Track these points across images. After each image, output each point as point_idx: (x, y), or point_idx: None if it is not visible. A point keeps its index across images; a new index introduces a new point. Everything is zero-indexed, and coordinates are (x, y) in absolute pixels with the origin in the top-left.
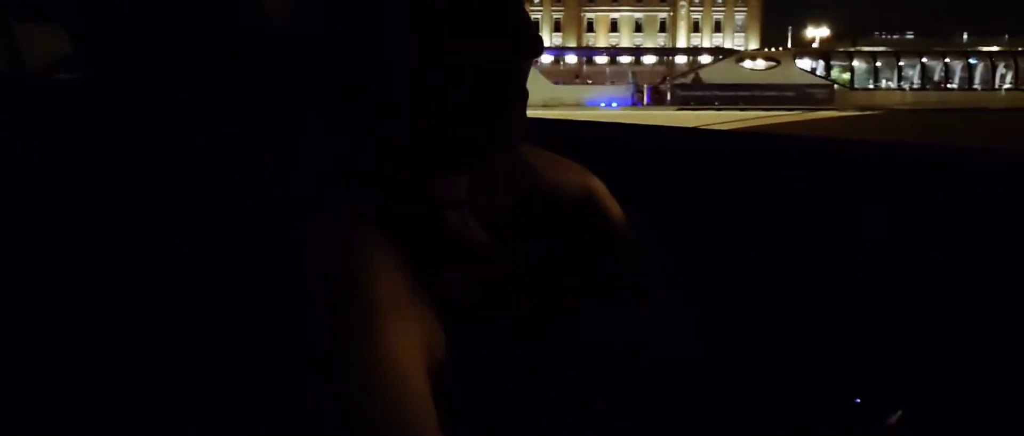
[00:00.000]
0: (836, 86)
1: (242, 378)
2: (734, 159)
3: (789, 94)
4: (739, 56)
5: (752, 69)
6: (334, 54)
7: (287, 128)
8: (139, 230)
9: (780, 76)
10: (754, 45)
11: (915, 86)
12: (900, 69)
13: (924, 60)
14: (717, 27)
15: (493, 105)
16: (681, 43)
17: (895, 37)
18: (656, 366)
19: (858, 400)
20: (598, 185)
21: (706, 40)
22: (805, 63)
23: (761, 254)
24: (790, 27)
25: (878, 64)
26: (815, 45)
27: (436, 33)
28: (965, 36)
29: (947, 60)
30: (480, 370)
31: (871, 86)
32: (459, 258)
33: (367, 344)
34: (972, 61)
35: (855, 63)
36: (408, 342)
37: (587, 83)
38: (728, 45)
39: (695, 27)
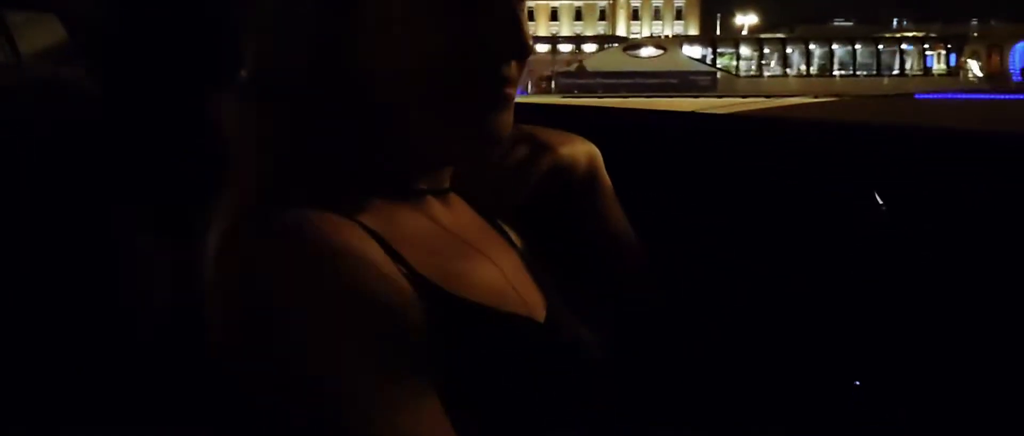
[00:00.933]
0: (720, 73)
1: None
2: (730, 144)
3: (672, 81)
4: (627, 44)
5: (637, 57)
6: (322, 52)
7: (275, 124)
8: (121, 229)
9: (665, 63)
10: (694, 32)
11: (800, 73)
12: (786, 56)
13: (812, 47)
14: (656, 15)
15: (480, 104)
16: (620, 31)
17: (850, 24)
18: (653, 361)
19: (857, 382)
20: (598, 153)
21: (646, 28)
22: (694, 50)
23: (759, 242)
24: (719, 15)
25: (765, 51)
26: (744, 33)
27: (425, 32)
28: (904, 23)
29: (834, 47)
30: (473, 362)
31: (756, 73)
32: (445, 245)
33: (368, 362)
34: (858, 47)
35: (741, 50)
36: (401, 342)
37: None
38: (667, 33)
39: (635, 15)
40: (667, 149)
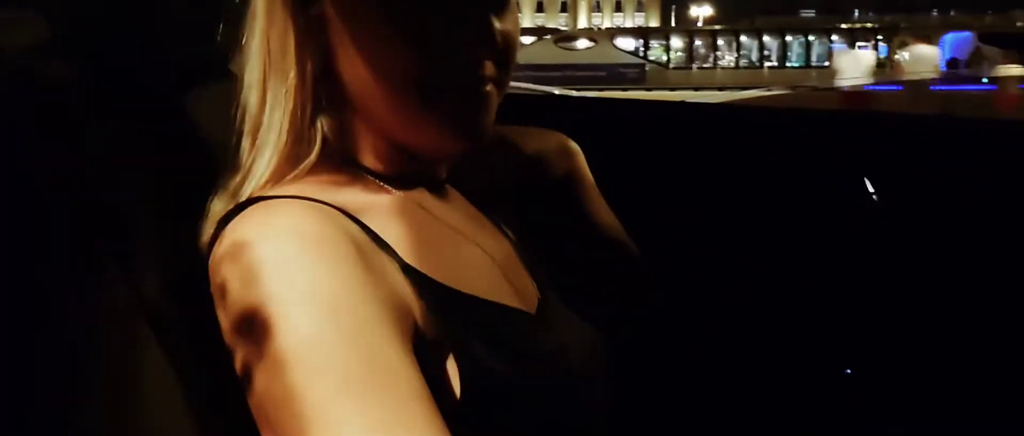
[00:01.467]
0: (650, 66)
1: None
2: (712, 134)
3: (601, 74)
4: (559, 36)
5: (568, 49)
6: (313, 49)
7: (268, 118)
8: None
9: (594, 56)
10: (655, 24)
11: (730, 65)
12: (716, 49)
13: (742, 39)
14: (618, 7)
15: (460, 102)
16: (582, 23)
17: (813, 15)
18: (644, 353)
19: (848, 371)
20: (575, 147)
21: (607, 20)
22: (627, 42)
23: (746, 233)
24: (674, 6)
25: (696, 43)
26: (699, 24)
27: (408, 34)
28: (867, 14)
29: (766, 38)
30: (464, 352)
31: (686, 65)
32: (438, 237)
33: (351, 339)
34: (788, 39)
35: (672, 42)
36: (390, 332)
37: None
38: (628, 24)
39: (597, 7)
40: (648, 140)
